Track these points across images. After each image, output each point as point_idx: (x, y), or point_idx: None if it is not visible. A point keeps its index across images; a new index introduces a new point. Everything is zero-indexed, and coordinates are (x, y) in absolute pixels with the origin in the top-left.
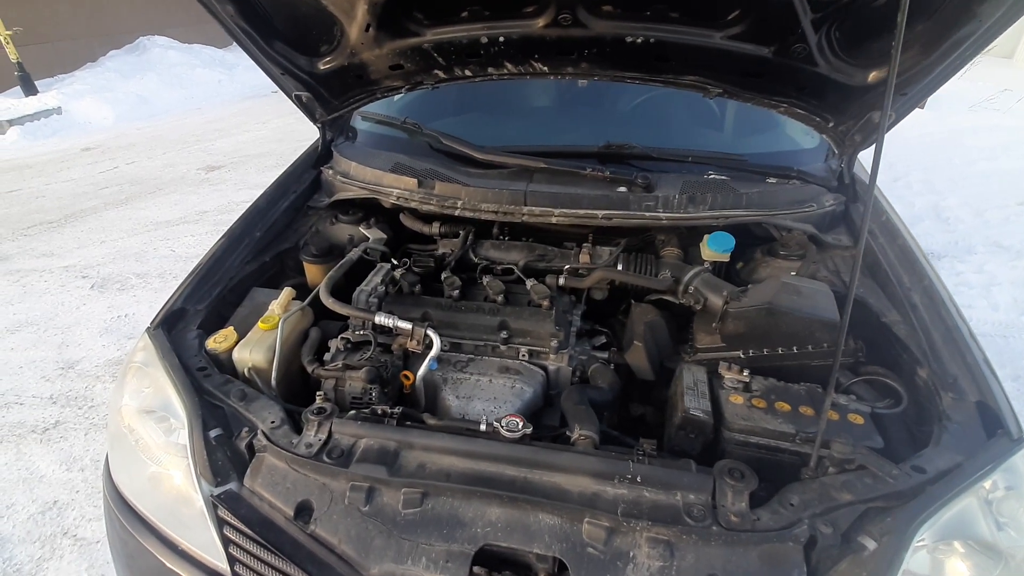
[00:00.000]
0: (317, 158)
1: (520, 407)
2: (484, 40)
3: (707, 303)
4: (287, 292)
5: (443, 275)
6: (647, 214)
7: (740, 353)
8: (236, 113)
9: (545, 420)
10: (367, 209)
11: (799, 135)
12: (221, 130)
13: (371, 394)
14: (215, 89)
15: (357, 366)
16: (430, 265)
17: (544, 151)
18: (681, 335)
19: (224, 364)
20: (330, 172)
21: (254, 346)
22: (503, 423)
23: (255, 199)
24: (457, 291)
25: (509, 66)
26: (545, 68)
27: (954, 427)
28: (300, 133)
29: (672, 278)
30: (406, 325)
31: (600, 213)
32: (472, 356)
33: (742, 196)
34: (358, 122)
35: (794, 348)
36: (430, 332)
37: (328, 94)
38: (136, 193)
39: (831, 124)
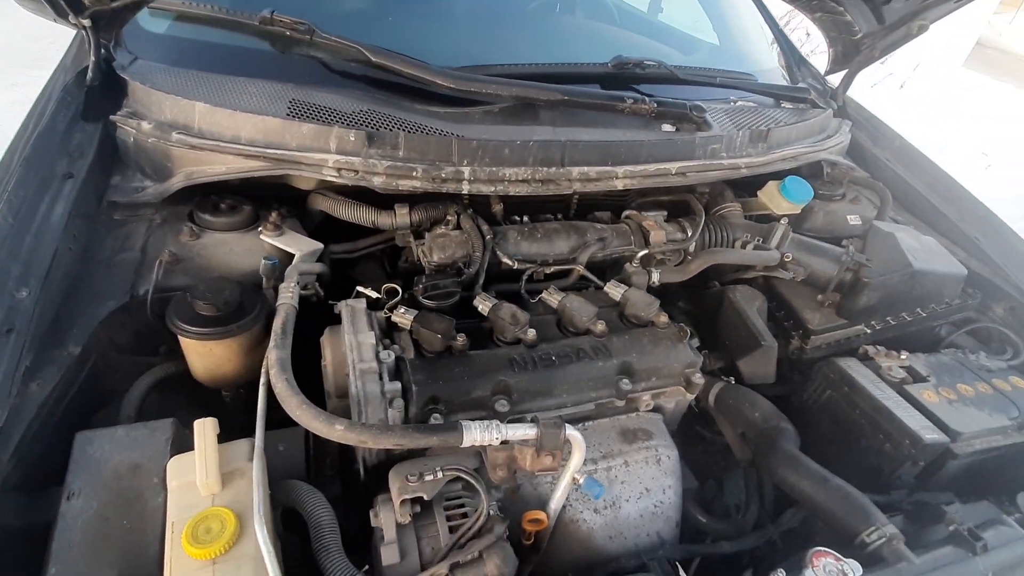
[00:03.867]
0: (87, 98)
1: (677, 487)
2: None
3: (811, 272)
4: (208, 427)
5: (481, 304)
6: (724, 162)
7: (864, 328)
8: None
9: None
10: (238, 192)
11: (746, 45)
12: None
13: None
14: None
15: (471, 565)
16: (455, 292)
17: (524, 73)
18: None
19: None
20: (140, 127)
21: None
22: None
23: None
24: (532, 332)
25: None
26: None
27: None
28: None
29: (769, 247)
30: (527, 432)
31: (673, 167)
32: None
33: (793, 128)
34: (147, 21)
35: (919, 311)
36: (572, 433)
37: None
38: None
39: (859, 34)
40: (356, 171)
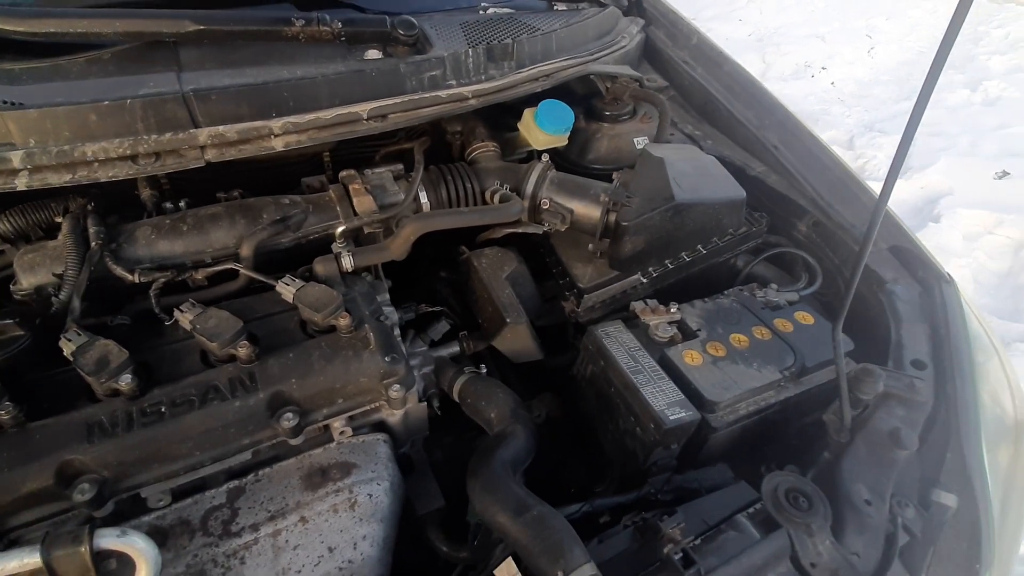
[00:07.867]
0: None
1: (378, 533)
2: None
3: (575, 218)
4: None
5: (66, 346)
6: (442, 94)
7: (640, 277)
8: None
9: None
10: None
11: None
12: None
13: None
14: None
15: None
16: (16, 339)
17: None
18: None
19: None
20: None
21: None
22: None
23: None
24: (128, 379)
25: None
26: None
27: (898, 291)
28: None
29: (515, 195)
30: (26, 561)
31: (364, 110)
32: (237, 485)
33: (551, 38)
34: None
35: (700, 247)
36: (125, 542)
37: None
38: None
39: None
40: None
